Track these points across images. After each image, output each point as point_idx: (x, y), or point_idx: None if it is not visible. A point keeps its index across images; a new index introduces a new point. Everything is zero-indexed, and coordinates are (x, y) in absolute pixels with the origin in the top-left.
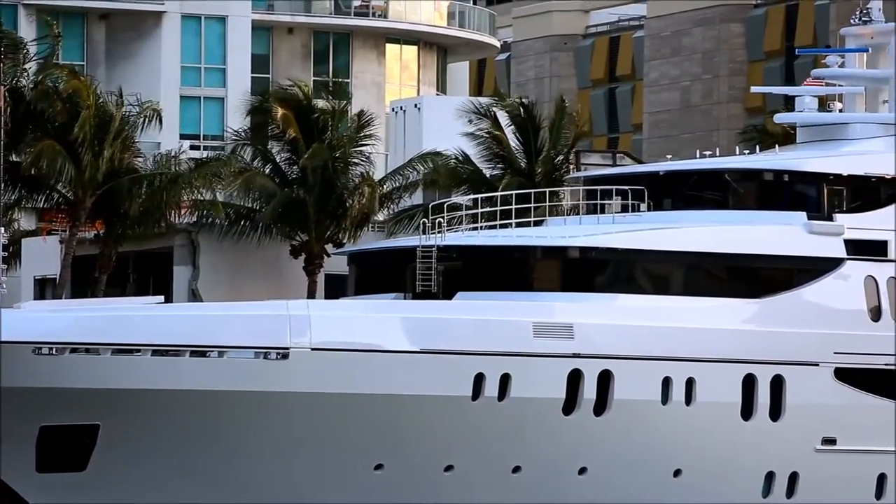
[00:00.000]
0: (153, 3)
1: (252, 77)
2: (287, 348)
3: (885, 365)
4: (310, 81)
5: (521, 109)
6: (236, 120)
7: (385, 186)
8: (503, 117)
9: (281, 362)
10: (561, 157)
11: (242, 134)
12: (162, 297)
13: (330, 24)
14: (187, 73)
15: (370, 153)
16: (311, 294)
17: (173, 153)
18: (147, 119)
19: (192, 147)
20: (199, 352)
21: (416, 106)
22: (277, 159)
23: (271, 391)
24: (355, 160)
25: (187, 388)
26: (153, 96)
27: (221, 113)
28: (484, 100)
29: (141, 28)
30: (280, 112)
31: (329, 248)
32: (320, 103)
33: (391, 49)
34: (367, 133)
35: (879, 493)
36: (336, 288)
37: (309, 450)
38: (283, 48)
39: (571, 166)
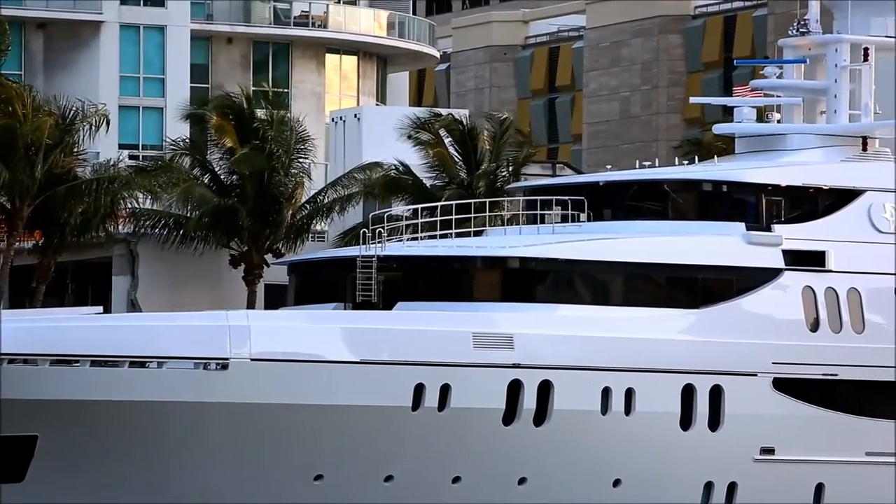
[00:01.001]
0: (91, 12)
1: (191, 87)
2: (227, 359)
3: (823, 375)
4: (249, 91)
5: (460, 126)
6: (175, 129)
7: (325, 196)
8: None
9: (221, 373)
10: (504, 170)
11: (181, 143)
12: (101, 308)
13: (269, 34)
14: (126, 82)
15: (309, 162)
16: (251, 304)
17: (112, 162)
18: (94, 126)
19: (131, 157)
20: (139, 362)
21: (355, 116)
22: (217, 169)
23: (211, 402)
24: (293, 169)
25: (126, 399)
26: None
27: (160, 123)
28: (421, 111)
29: (79, 37)
30: (216, 121)
31: (269, 257)
32: (259, 113)
33: (331, 59)
34: (304, 138)
35: (817, 502)
36: (276, 298)
37: (249, 460)
38: (222, 58)
39: (523, 177)
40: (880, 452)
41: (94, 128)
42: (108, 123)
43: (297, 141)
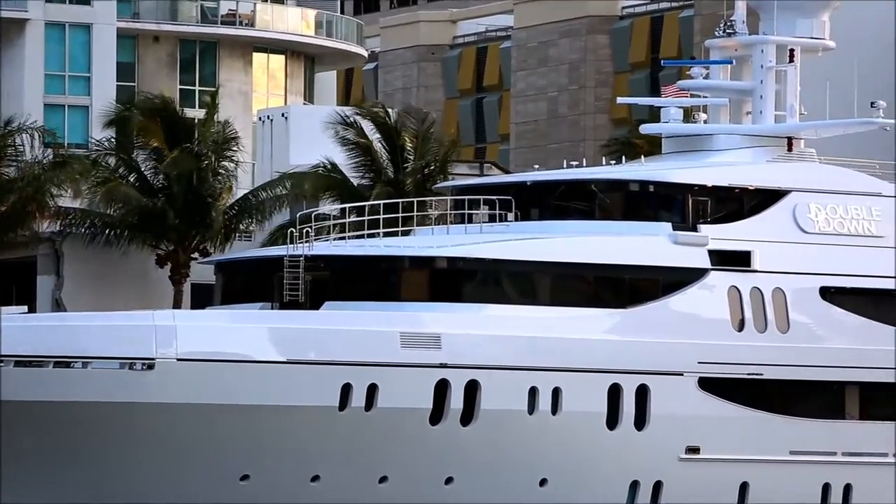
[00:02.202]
0: (16, 9)
1: (118, 85)
2: (153, 359)
3: (749, 374)
4: (176, 90)
5: (387, 116)
6: (101, 129)
7: (254, 197)
8: (369, 126)
9: (146, 373)
10: (430, 168)
11: (107, 143)
12: (25, 307)
13: (196, 33)
14: (51, 81)
15: (237, 162)
16: (177, 304)
17: (37, 158)
18: (30, 136)
19: (56, 156)
20: (63, 362)
21: (283, 115)
22: (143, 168)
23: (136, 402)
24: (220, 170)
25: (51, 400)
26: (17, 104)
27: (86, 121)
28: (349, 109)
29: (4, 35)
30: (141, 123)
31: (195, 257)
32: (187, 112)
33: (258, 58)
34: (230, 137)
35: (742, 501)
36: (202, 297)
37: (175, 461)
38: (148, 56)
39: (451, 176)
40: (804, 451)
41: (31, 139)
42: (41, 137)
43: (224, 141)
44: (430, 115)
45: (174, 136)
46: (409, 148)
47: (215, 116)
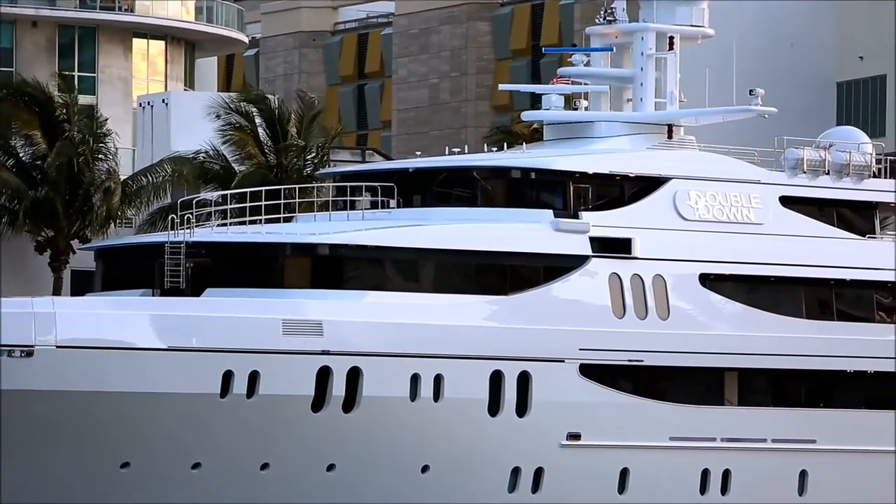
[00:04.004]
0: None
1: None
2: (31, 346)
3: (629, 361)
4: (54, 76)
5: (268, 102)
6: None
7: (133, 184)
8: (252, 112)
9: (25, 360)
10: (312, 154)
11: None
12: None
13: (75, 18)
14: None
15: (116, 148)
16: (57, 290)
17: None
18: None
19: None
20: None
21: (163, 101)
22: (21, 154)
23: (15, 389)
24: (100, 156)
25: None
26: None
27: None
28: (232, 95)
29: None
30: (15, 110)
31: (75, 243)
32: (61, 99)
33: (138, 44)
34: (103, 126)
35: (622, 487)
36: (83, 284)
37: (54, 449)
38: (27, 42)
39: (333, 163)
40: (684, 437)
41: None
42: None
43: (100, 128)
44: (318, 101)
45: (50, 122)
46: (293, 133)
47: (96, 105)
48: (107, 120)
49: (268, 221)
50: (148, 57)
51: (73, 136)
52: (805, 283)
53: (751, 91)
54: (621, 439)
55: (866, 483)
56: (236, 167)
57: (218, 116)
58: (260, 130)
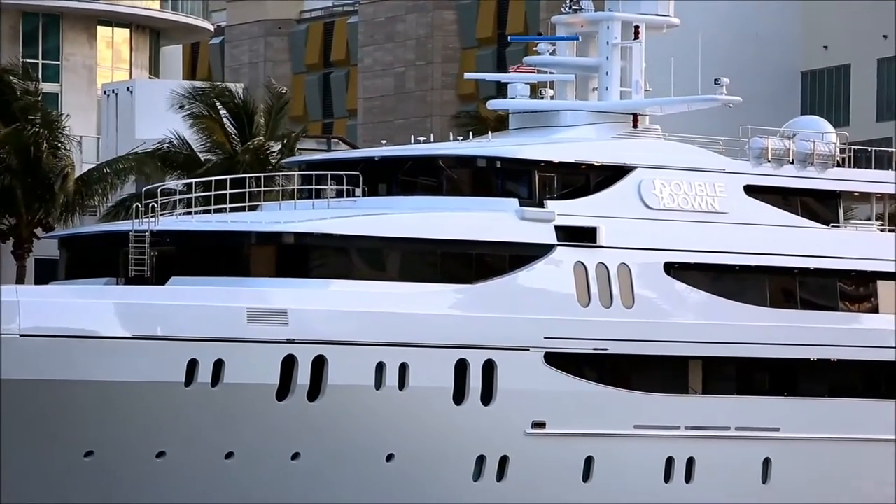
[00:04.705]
0: None
1: None
2: None
3: (594, 350)
4: (18, 64)
5: (234, 98)
6: None
7: (96, 173)
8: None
9: None
10: (276, 145)
11: None
12: None
13: (39, 6)
14: None
15: (80, 137)
16: (21, 279)
17: None
18: None
19: None
20: None
21: (128, 89)
22: None
23: None
24: (57, 144)
25: None
26: None
27: None
28: (197, 84)
29: None
30: None
31: (39, 232)
32: (18, 88)
33: (103, 32)
34: (58, 117)
35: (587, 475)
36: (47, 273)
37: (18, 437)
38: None
39: (298, 152)
40: (648, 426)
41: None
42: None
43: (57, 118)
44: (286, 91)
45: (8, 111)
46: (260, 123)
47: (60, 90)
48: (62, 114)
49: (233, 210)
50: (112, 45)
51: (26, 125)
52: (769, 272)
53: (716, 80)
54: (586, 427)
55: (829, 471)
56: (202, 156)
57: (182, 107)
58: (225, 121)
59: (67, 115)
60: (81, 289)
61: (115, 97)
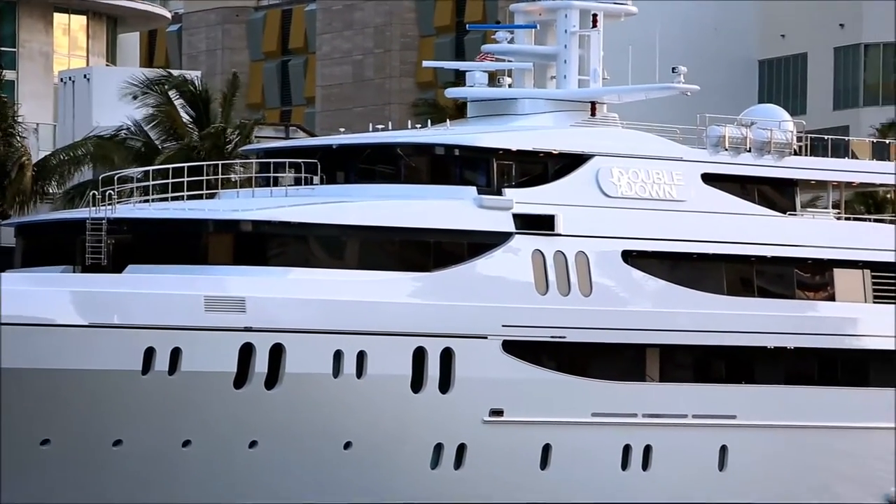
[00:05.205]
0: None
1: None
2: None
3: (552, 338)
4: None
5: (191, 87)
6: None
7: (53, 160)
8: (174, 92)
9: None
10: (235, 132)
11: None
12: None
13: None
14: None
15: (36, 125)
16: None
17: None
18: None
19: None
20: None
21: (85, 76)
22: None
23: None
24: (11, 131)
25: None
26: None
27: None
28: (149, 71)
29: None
30: None
31: None
32: None
33: (59, 18)
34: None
35: (545, 463)
36: (2, 261)
37: None
38: None
39: (255, 140)
40: (606, 413)
41: None
42: None
43: (11, 106)
44: (238, 79)
45: None
46: (218, 111)
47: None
48: (16, 103)
49: (190, 198)
50: (69, 32)
51: None
52: (726, 260)
53: (673, 69)
54: (543, 415)
55: (786, 458)
56: (159, 144)
57: (135, 98)
58: (182, 111)
59: (19, 104)
60: (38, 277)
61: (72, 84)
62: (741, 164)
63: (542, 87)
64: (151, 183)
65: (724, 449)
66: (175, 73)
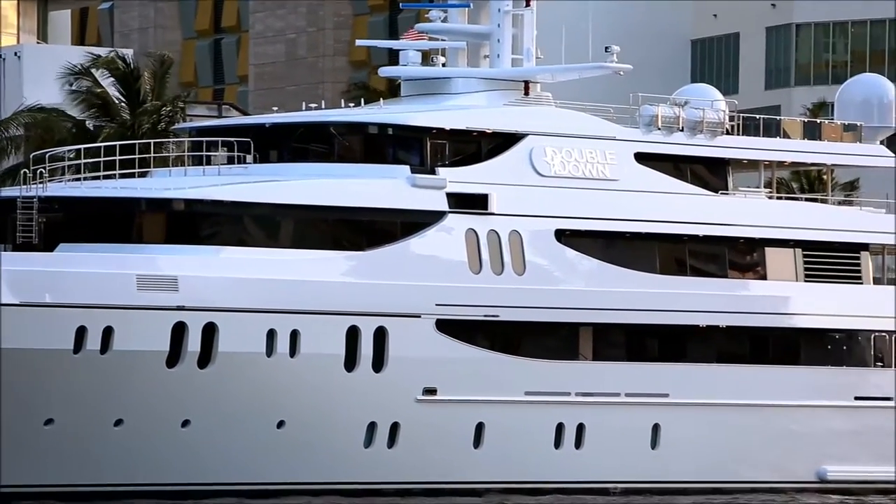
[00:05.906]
0: None
1: None
2: None
3: (485, 316)
4: None
5: (121, 64)
6: None
7: None
8: (105, 75)
9: None
10: (167, 109)
11: None
12: None
13: None
14: None
15: None
16: None
17: None
18: None
19: None
20: None
21: (15, 54)
22: None
23: None
24: None
25: None
26: None
27: None
28: (80, 50)
29: None
30: None
31: None
32: None
33: None
34: None
35: (478, 441)
36: None
37: None
38: None
39: (179, 118)
40: (539, 392)
41: None
42: None
43: None
44: (169, 56)
45: None
46: (146, 90)
47: None
48: None
49: (123, 177)
50: (0, 10)
51: None
52: (659, 239)
53: (606, 48)
54: (477, 394)
55: (718, 436)
56: (90, 124)
57: (70, 84)
58: (113, 90)
59: None
60: None
61: (3, 62)
62: (674, 143)
63: (476, 66)
64: (83, 161)
65: (656, 427)
66: (104, 52)
